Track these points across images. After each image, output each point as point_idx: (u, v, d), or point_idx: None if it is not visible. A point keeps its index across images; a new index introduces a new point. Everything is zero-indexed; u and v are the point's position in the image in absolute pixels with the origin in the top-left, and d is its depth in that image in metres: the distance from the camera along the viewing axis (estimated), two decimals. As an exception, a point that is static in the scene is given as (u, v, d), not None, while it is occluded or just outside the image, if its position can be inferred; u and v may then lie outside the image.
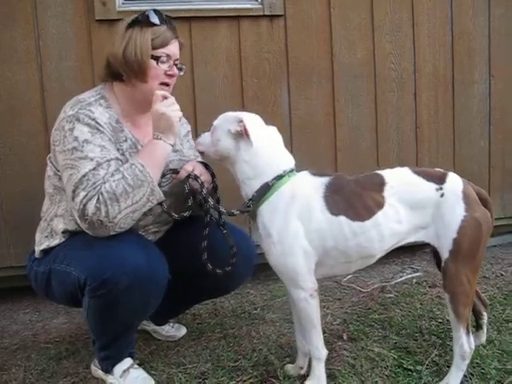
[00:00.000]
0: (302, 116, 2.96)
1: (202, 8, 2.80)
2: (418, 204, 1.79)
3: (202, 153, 1.97)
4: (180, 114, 1.86)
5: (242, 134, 1.79)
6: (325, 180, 1.81)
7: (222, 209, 1.91)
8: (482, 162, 3.26)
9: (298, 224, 1.76)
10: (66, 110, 1.84)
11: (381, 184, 1.81)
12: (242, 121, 1.79)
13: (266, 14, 2.86)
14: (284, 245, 1.76)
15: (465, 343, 1.78)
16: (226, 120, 1.86)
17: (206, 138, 1.92)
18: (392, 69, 3.06)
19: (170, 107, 1.83)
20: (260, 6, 2.85)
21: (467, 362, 1.80)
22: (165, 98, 1.84)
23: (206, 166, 2.02)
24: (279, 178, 1.80)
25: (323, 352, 1.85)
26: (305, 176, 1.84)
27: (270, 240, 1.78)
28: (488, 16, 3.15)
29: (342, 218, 1.76)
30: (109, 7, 2.68)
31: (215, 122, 1.89)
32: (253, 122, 1.84)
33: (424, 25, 3.07)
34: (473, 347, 1.80)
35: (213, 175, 2.01)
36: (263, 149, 1.82)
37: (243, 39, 2.86)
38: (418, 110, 3.11)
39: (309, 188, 1.80)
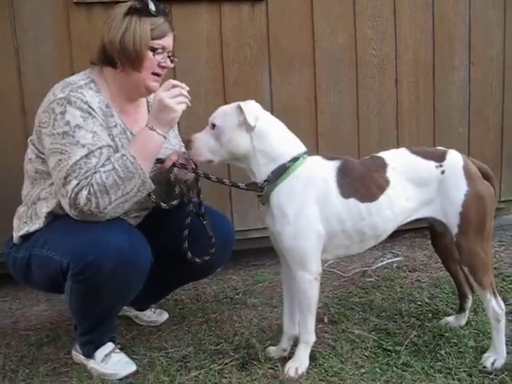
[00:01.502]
0: (284, 101, 2.95)
1: (183, -8, 2.77)
2: (418, 181, 1.86)
3: (210, 161, 1.85)
4: (184, 106, 1.81)
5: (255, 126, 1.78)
6: (336, 164, 1.86)
7: (240, 184, 1.92)
8: (460, 149, 3.18)
9: (315, 207, 1.79)
10: (55, 93, 1.81)
11: (382, 165, 1.86)
12: (242, 109, 1.76)
13: (247, -2, 2.84)
14: (298, 226, 1.78)
15: (495, 306, 1.85)
16: (228, 114, 1.82)
17: (206, 143, 1.83)
18: (373, 55, 3.06)
19: (175, 99, 1.78)
20: (241, -10, 2.83)
21: (503, 321, 1.86)
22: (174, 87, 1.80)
23: None
24: (295, 160, 1.82)
25: (313, 337, 1.89)
26: (319, 160, 1.88)
27: (284, 220, 1.79)
28: (468, 3, 3.16)
29: (352, 200, 1.81)
30: (87, -10, 2.63)
31: (217, 122, 1.82)
32: (254, 106, 1.82)
33: (405, 11, 3.08)
34: (503, 307, 1.87)
35: (195, 164, 2.01)
36: (275, 132, 1.84)
37: (224, 24, 2.83)
38: (398, 95, 3.13)
39: (325, 172, 1.84)
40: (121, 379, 1.89)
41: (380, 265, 2.94)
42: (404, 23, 3.09)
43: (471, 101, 3.26)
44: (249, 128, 1.79)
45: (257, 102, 1.87)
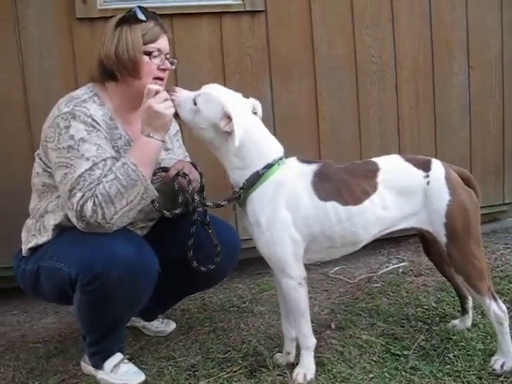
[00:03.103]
0: (285, 110, 2.98)
1: (184, 5, 2.81)
2: (406, 191, 1.84)
3: (176, 115, 1.82)
4: (173, 110, 1.81)
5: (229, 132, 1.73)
6: (313, 167, 1.84)
7: (209, 203, 1.92)
8: (462, 153, 3.31)
9: (286, 212, 1.77)
10: (60, 107, 1.83)
11: (374, 170, 1.84)
12: (231, 119, 1.70)
13: (247, 9, 2.87)
14: (273, 233, 1.77)
15: (496, 310, 1.83)
16: (213, 106, 1.75)
17: (186, 103, 1.79)
18: (373, 62, 3.09)
19: (163, 104, 1.78)
20: (241, 2, 2.87)
21: (506, 324, 1.83)
22: (157, 92, 1.80)
23: (194, 165, 2.04)
24: (269, 166, 1.79)
25: (312, 340, 1.88)
26: (293, 163, 1.85)
27: (259, 229, 1.79)
28: (465, 8, 3.20)
29: (332, 204, 1.79)
30: (89, 5, 2.66)
31: (199, 103, 1.76)
32: (239, 113, 1.74)
33: (403, 18, 3.11)
34: (505, 309, 1.84)
35: (200, 175, 2.03)
36: (251, 141, 1.79)
37: (225, 35, 2.87)
38: (399, 102, 3.15)
39: (296, 175, 1.81)
40: (130, 389, 1.90)
41: (385, 270, 2.94)
42: (402, 30, 3.12)
43: (471, 105, 3.28)
44: (228, 134, 1.74)
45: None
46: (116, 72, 1.89)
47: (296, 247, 1.80)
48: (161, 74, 1.92)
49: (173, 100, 1.79)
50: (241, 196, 1.81)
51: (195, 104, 1.78)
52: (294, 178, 1.80)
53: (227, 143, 1.77)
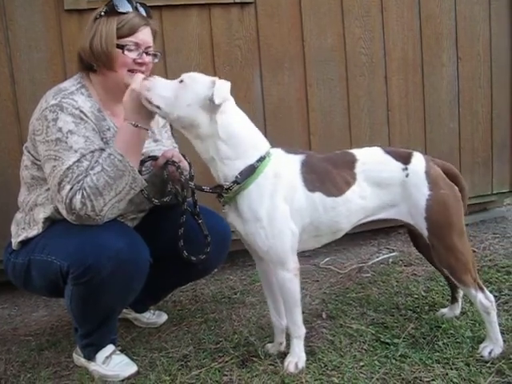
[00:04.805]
0: (275, 102, 2.98)
1: (173, -4, 2.80)
2: (383, 182, 1.85)
3: (150, 102, 1.69)
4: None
5: (222, 110, 1.68)
6: (299, 157, 1.84)
7: (205, 187, 1.85)
8: (451, 144, 3.33)
9: (285, 205, 1.77)
10: (47, 100, 1.82)
11: (352, 161, 1.86)
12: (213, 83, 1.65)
13: (236, 1, 2.86)
14: (274, 227, 1.76)
15: (482, 300, 1.84)
16: (199, 82, 1.70)
17: (165, 88, 1.70)
18: (362, 53, 3.10)
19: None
20: (230, -7, 2.86)
21: (494, 313, 1.85)
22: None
23: (183, 156, 2.03)
24: (262, 159, 1.77)
25: (303, 330, 1.90)
26: (281, 155, 1.84)
27: (258, 224, 1.76)
28: (454, 0, 3.20)
29: (318, 195, 1.80)
30: (78, -3, 2.65)
31: (186, 80, 1.70)
32: (226, 88, 1.70)
33: (392, 9, 3.12)
34: (492, 299, 1.85)
35: (189, 164, 2.03)
36: (244, 128, 1.78)
37: (214, 27, 2.86)
38: (388, 93, 3.17)
39: (290, 168, 1.81)
40: (122, 380, 1.90)
41: (376, 260, 2.97)
42: (391, 21, 3.13)
43: (460, 95, 3.30)
44: (213, 108, 1.67)
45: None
46: (93, 64, 1.89)
47: (294, 239, 1.81)
48: (136, 67, 1.88)
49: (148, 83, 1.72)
50: (230, 190, 1.75)
51: (181, 81, 1.70)
52: (287, 170, 1.80)
53: (216, 127, 1.70)
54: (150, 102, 1.70)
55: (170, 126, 2.15)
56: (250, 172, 1.75)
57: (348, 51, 3.07)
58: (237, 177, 1.74)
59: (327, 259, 3.04)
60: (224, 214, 1.90)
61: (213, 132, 1.72)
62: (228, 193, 1.76)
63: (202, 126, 1.72)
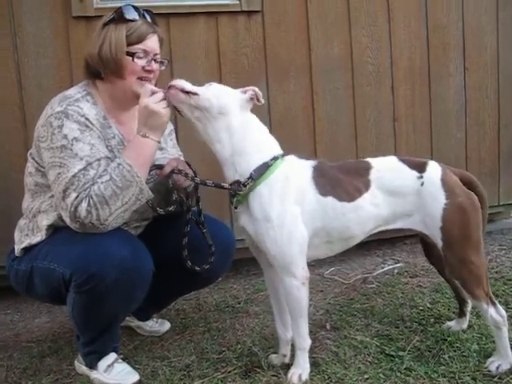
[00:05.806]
0: (281, 110, 2.97)
1: (180, 4, 2.81)
2: (397, 190, 1.83)
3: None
4: (170, 111, 1.79)
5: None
6: (312, 163, 1.85)
7: (209, 182, 1.86)
8: (458, 154, 3.31)
9: (295, 207, 1.76)
10: (53, 106, 1.82)
11: (366, 168, 1.85)
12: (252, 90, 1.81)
13: (243, 9, 2.87)
14: (283, 229, 1.74)
15: (494, 314, 1.80)
16: (225, 89, 1.83)
17: (191, 85, 1.79)
18: (369, 62, 3.09)
19: (159, 104, 1.76)
20: (237, 1, 2.86)
21: (505, 328, 1.81)
22: (153, 92, 1.78)
23: (188, 164, 2.03)
24: (275, 159, 1.79)
25: (308, 342, 1.87)
26: (294, 159, 1.85)
27: (268, 224, 1.74)
28: (461, 10, 3.20)
29: (330, 199, 1.80)
30: (86, 3, 2.65)
31: (212, 83, 1.84)
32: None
33: (399, 19, 3.11)
34: (504, 314, 1.81)
35: (194, 173, 2.02)
36: (262, 126, 1.85)
37: (221, 35, 2.86)
38: (395, 103, 3.15)
39: (302, 171, 1.82)
40: (124, 389, 1.89)
41: (381, 271, 2.94)
42: (399, 31, 3.12)
43: (467, 106, 3.28)
44: (244, 107, 1.81)
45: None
46: (101, 71, 1.88)
47: (303, 243, 1.79)
48: (145, 75, 1.88)
49: (167, 98, 1.77)
50: (245, 187, 1.75)
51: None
52: (298, 173, 1.81)
53: (245, 118, 1.80)
54: (187, 92, 1.76)
55: (176, 134, 2.14)
56: (264, 170, 1.77)
57: (355, 60, 3.07)
58: (251, 173, 1.76)
59: (332, 269, 3.01)
60: (236, 216, 1.89)
61: (241, 123, 1.79)
62: (243, 189, 1.76)
63: (233, 116, 1.79)
